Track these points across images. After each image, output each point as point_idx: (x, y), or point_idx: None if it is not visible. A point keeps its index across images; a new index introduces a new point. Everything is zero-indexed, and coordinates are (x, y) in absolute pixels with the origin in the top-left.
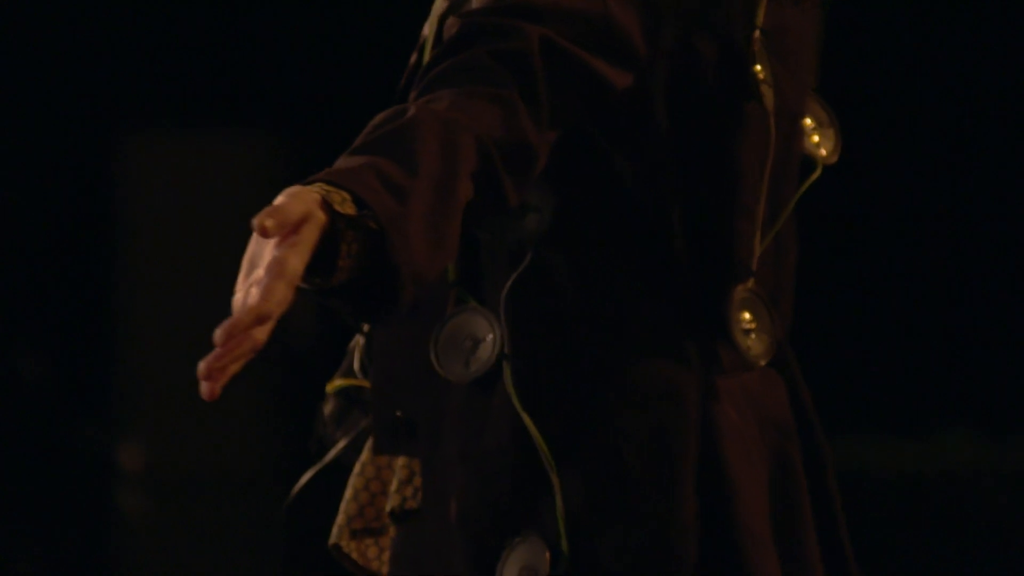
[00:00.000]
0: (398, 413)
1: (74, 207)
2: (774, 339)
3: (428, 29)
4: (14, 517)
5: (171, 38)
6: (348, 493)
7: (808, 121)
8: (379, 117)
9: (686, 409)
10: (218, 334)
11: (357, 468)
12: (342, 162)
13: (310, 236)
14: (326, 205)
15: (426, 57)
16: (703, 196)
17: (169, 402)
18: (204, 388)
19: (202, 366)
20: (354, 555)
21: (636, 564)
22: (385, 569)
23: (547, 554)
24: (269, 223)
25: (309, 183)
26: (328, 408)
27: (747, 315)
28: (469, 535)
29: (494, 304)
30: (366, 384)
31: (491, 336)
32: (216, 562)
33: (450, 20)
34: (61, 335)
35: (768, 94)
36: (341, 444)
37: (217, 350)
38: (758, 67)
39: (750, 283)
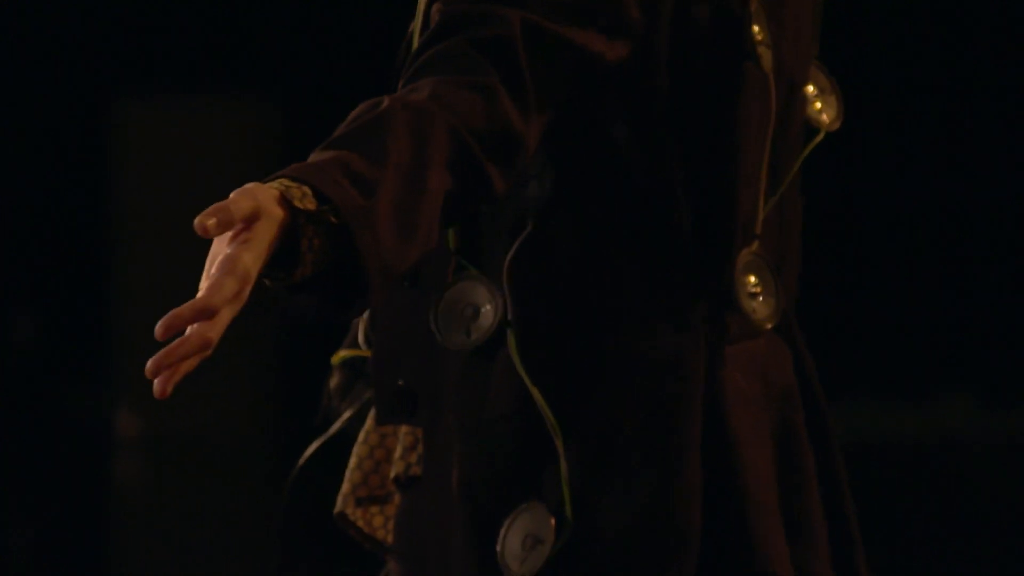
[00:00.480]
0: (400, 383)
1: (71, 172)
2: (779, 303)
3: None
4: (9, 483)
5: (169, 2)
6: (352, 462)
7: (810, 88)
8: (355, 111)
9: (691, 376)
10: (158, 329)
11: (361, 436)
12: (313, 157)
13: (263, 233)
14: (284, 201)
15: (415, 43)
16: (704, 160)
17: None
18: (156, 387)
19: (149, 364)
20: (360, 523)
21: (638, 530)
22: (391, 538)
23: (551, 521)
24: (210, 222)
25: (272, 179)
26: (333, 380)
27: (752, 279)
28: (470, 504)
29: (495, 272)
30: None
31: (492, 304)
32: (211, 527)
33: (434, 7)
34: (58, 303)
35: (766, 55)
36: (346, 415)
37: (164, 349)
38: (756, 28)
39: (755, 247)
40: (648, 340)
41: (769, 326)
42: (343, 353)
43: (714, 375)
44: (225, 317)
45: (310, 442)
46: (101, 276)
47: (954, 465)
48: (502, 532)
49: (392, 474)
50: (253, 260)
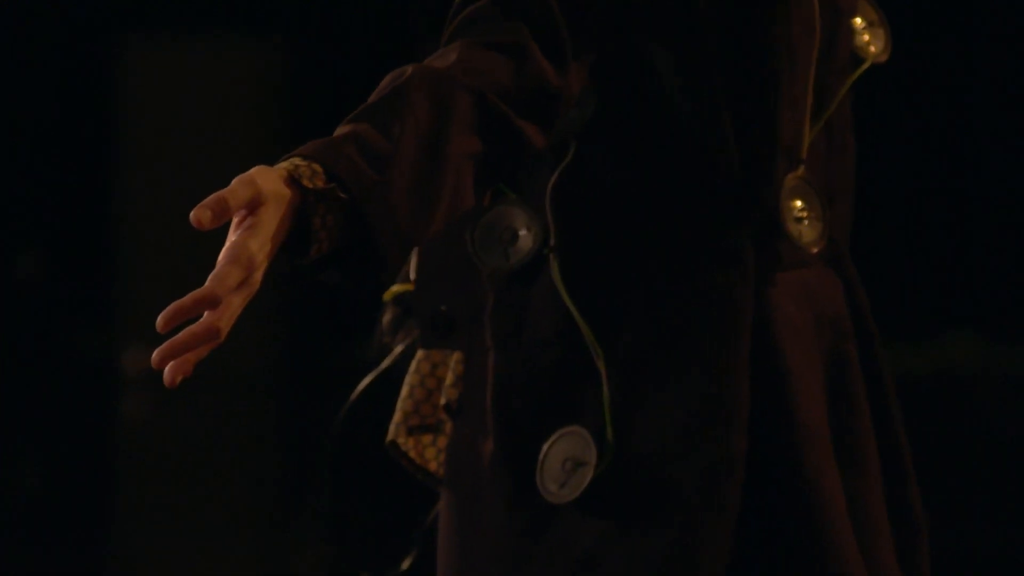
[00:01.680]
0: (443, 308)
1: (76, 108)
2: (826, 227)
3: None
4: (16, 420)
5: None
6: (404, 391)
7: (858, 20)
8: (383, 81)
9: (738, 301)
10: (159, 321)
11: (412, 366)
12: (336, 131)
13: (268, 217)
14: (293, 181)
15: None
16: (747, 83)
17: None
18: (165, 376)
19: (155, 355)
20: (411, 453)
21: (679, 454)
22: (443, 471)
23: (593, 444)
24: (205, 215)
25: (284, 159)
26: (385, 316)
27: (798, 203)
28: (506, 427)
29: (533, 196)
30: None
31: (531, 228)
32: (217, 465)
33: None
34: (63, 239)
35: None
36: (397, 351)
37: (170, 339)
38: None
39: (800, 171)
40: (694, 265)
41: (815, 250)
42: (395, 288)
43: (763, 301)
44: (235, 305)
45: (318, 379)
46: (107, 213)
47: (956, 400)
48: (541, 455)
49: (442, 402)
50: (259, 246)
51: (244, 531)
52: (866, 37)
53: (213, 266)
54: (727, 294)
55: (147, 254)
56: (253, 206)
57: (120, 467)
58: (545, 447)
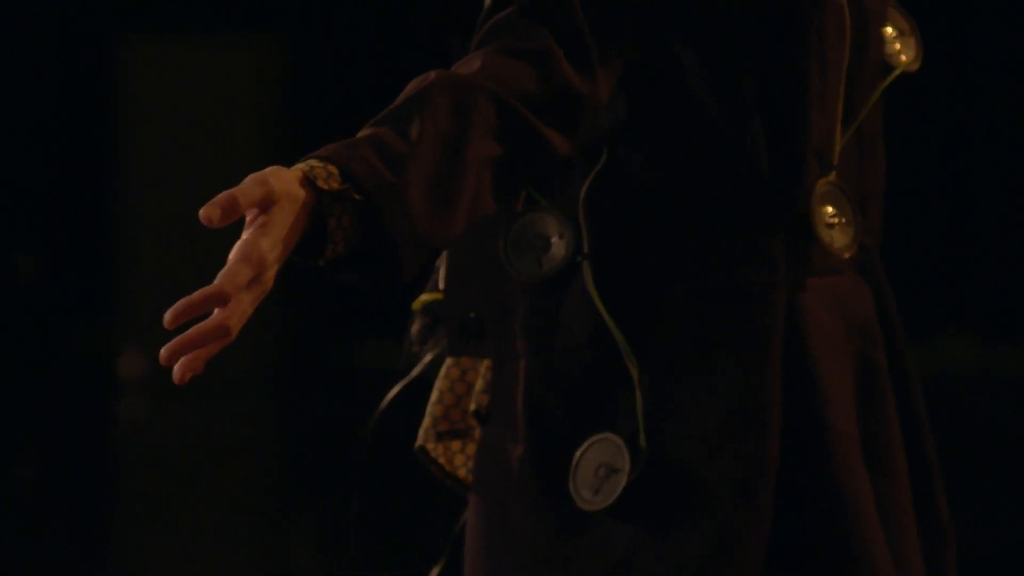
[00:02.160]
0: (472, 315)
1: (76, 109)
2: (858, 232)
3: None
4: (15, 422)
5: None
6: (433, 396)
7: (889, 30)
8: (407, 87)
9: (771, 306)
10: (166, 317)
11: (442, 371)
12: (358, 135)
13: (281, 217)
14: (308, 181)
15: None
16: (777, 86)
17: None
18: (175, 373)
19: (163, 352)
20: (441, 460)
21: (714, 454)
22: (472, 477)
23: (626, 451)
24: (215, 213)
25: (301, 161)
26: (414, 326)
27: (830, 209)
28: (540, 434)
29: (565, 203)
30: None
31: (563, 235)
32: (216, 465)
33: None
34: (62, 241)
35: None
36: (426, 359)
37: (179, 336)
38: None
39: (832, 176)
40: (726, 270)
41: (847, 256)
42: (424, 298)
43: (795, 306)
44: (245, 303)
45: (317, 379)
46: (106, 215)
47: (952, 403)
48: (574, 462)
49: (472, 407)
50: (270, 245)
51: (244, 531)
52: (897, 46)
53: (212, 267)
54: (759, 299)
55: (146, 255)
56: (265, 205)
57: (119, 467)
58: (578, 454)
